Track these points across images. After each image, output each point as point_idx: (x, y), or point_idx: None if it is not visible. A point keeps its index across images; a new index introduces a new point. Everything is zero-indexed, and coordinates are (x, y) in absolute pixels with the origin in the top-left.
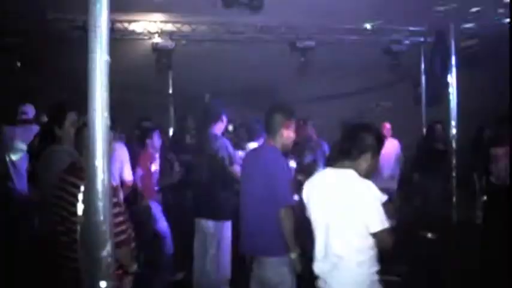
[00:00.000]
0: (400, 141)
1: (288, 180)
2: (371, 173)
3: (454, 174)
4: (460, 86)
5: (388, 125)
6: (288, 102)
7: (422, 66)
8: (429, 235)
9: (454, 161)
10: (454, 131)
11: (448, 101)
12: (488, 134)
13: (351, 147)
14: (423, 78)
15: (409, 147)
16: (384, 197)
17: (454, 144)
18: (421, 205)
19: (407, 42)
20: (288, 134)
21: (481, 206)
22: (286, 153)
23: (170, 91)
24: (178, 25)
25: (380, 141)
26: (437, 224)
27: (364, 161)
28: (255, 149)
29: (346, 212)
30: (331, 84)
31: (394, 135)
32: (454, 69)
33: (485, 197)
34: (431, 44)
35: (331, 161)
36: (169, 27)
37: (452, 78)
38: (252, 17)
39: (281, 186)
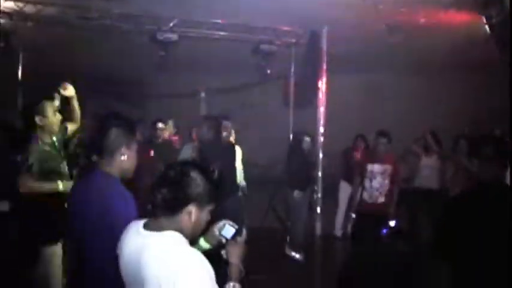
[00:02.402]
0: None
1: (128, 218)
2: (199, 230)
3: (320, 184)
4: (332, 91)
5: None
6: (148, 97)
7: (293, 68)
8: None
9: (319, 171)
10: (321, 138)
11: (316, 106)
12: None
13: (173, 197)
14: (292, 80)
15: (277, 153)
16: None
17: (320, 153)
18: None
19: (278, 42)
20: (129, 156)
21: (351, 221)
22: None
23: (19, 78)
24: (20, 4)
25: (215, 186)
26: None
27: (187, 215)
28: (84, 179)
29: None
30: (195, 80)
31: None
32: (324, 74)
33: (354, 215)
34: (303, 46)
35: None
36: (9, 5)
37: (322, 83)
38: (108, 2)
39: (118, 225)
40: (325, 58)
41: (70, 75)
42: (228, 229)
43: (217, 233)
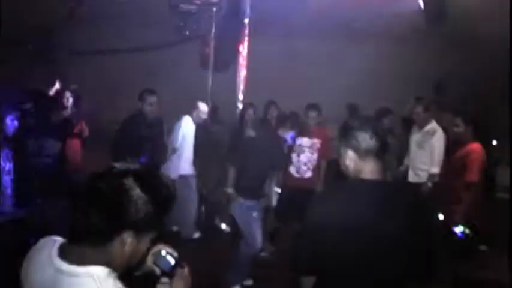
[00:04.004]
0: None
1: None
2: (134, 262)
3: None
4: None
5: None
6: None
7: (213, 30)
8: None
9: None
10: (240, 105)
11: (236, 70)
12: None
13: (104, 223)
14: (212, 42)
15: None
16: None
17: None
18: None
19: (197, 2)
20: None
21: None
22: None
23: None
24: None
25: (161, 209)
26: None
27: (120, 245)
28: None
29: None
30: (112, 37)
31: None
32: (245, 38)
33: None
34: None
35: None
36: None
37: (243, 48)
38: None
39: None
40: (246, 21)
41: None
42: (164, 259)
43: (150, 261)
